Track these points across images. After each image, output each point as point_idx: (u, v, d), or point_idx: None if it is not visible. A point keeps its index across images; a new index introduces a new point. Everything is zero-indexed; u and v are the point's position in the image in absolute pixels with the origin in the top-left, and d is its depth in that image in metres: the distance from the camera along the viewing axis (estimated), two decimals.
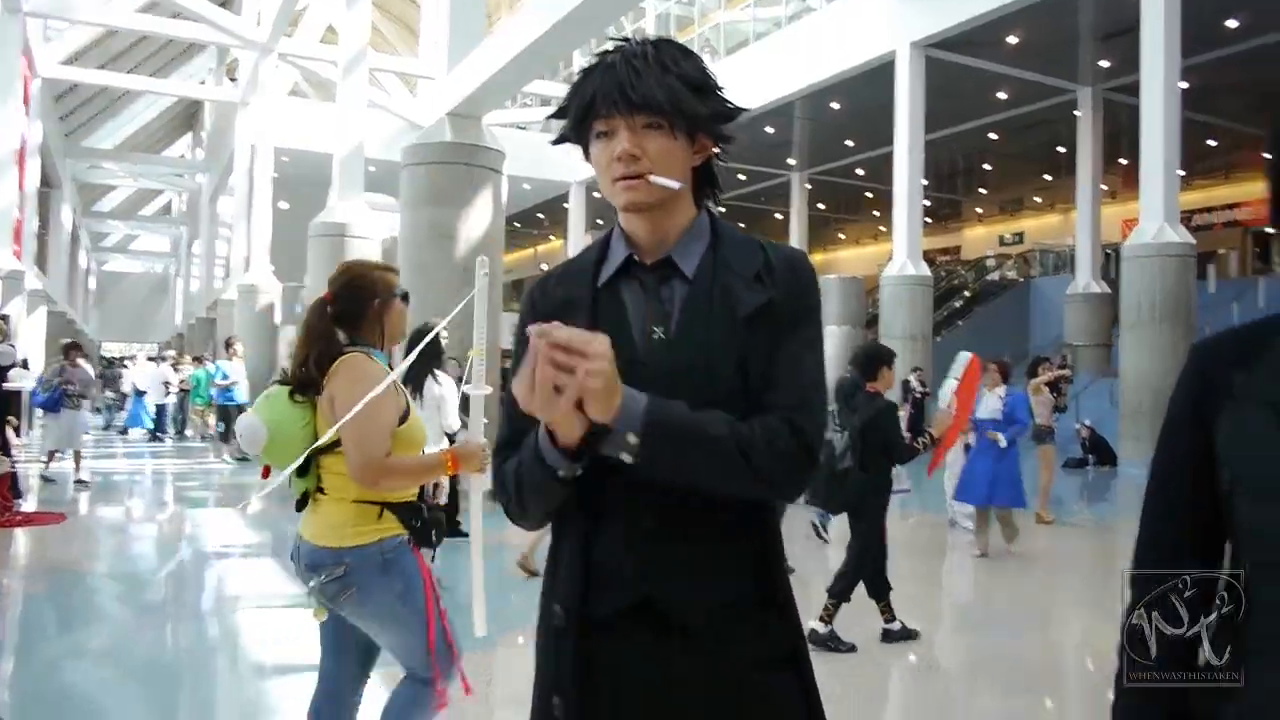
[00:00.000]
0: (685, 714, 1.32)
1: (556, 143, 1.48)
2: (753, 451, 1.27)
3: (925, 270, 17.49)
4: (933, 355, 16.60)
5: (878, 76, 17.43)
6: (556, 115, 1.44)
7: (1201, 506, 1.09)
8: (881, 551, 5.01)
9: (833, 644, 4.84)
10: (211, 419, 15.29)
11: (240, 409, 14.23)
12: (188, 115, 36.99)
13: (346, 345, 2.70)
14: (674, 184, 1.35)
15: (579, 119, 1.37)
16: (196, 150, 37.59)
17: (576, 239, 28.12)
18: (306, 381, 2.66)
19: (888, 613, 5.05)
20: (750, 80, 19.20)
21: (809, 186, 26.68)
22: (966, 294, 26.88)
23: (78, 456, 11.20)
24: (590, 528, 1.34)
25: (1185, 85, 14.16)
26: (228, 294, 23.01)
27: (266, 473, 2.64)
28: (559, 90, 23.60)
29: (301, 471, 2.62)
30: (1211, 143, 22.30)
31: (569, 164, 27.26)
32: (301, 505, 2.70)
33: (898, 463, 5.13)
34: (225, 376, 14.14)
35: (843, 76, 18.32)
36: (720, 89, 1.39)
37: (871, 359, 5.18)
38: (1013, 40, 16.55)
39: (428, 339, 4.26)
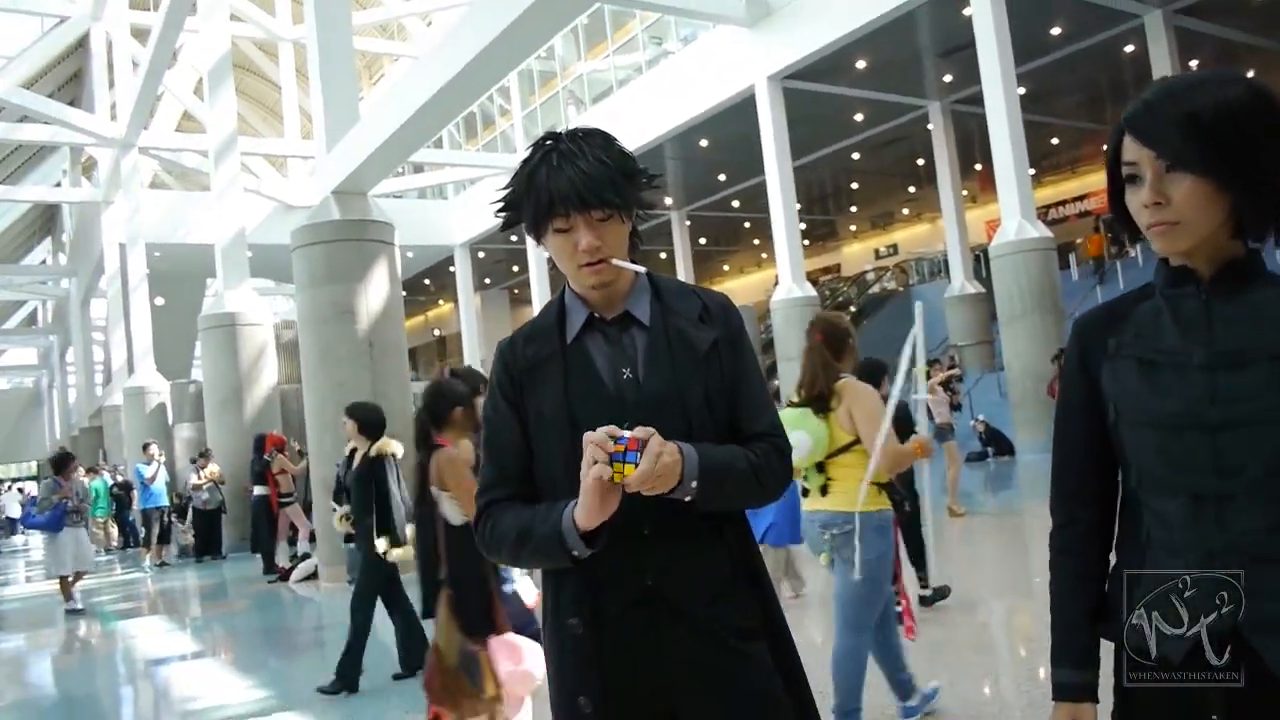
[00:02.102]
0: (682, 682, 1.56)
1: (505, 228, 1.70)
2: (763, 476, 1.59)
3: (810, 291, 18.12)
4: None
5: (741, 110, 18.09)
6: (504, 208, 1.64)
7: (1094, 434, 1.42)
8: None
9: (935, 599, 5.92)
10: (114, 530, 14.77)
11: (162, 510, 13.98)
12: (45, 219, 35.69)
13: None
14: (638, 268, 1.62)
15: (538, 218, 1.57)
16: (59, 255, 36.25)
17: (467, 301, 28.06)
18: (821, 400, 3.61)
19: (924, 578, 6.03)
20: (618, 126, 19.27)
21: (688, 223, 27.32)
22: (853, 309, 27.84)
23: (72, 581, 10.24)
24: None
25: (1023, 91, 15.16)
26: (113, 399, 22.21)
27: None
28: (432, 156, 23.68)
29: (819, 469, 3.61)
30: (1054, 141, 23.78)
31: (449, 227, 27.31)
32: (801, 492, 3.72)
33: None
34: (143, 480, 13.84)
35: (707, 114, 18.94)
36: (641, 167, 1.63)
37: (876, 370, 5.95)
38: (861, 65, 17.42)
39: None
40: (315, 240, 9.55)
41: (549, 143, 1.58)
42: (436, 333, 42.08)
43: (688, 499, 1.49)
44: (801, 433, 3.51)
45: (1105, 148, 1.36)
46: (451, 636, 3.30)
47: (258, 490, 11.83)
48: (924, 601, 5.95)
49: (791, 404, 3.73)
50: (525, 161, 1.59)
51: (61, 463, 10.36)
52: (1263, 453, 1.24)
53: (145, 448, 14.41)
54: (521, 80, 25.66)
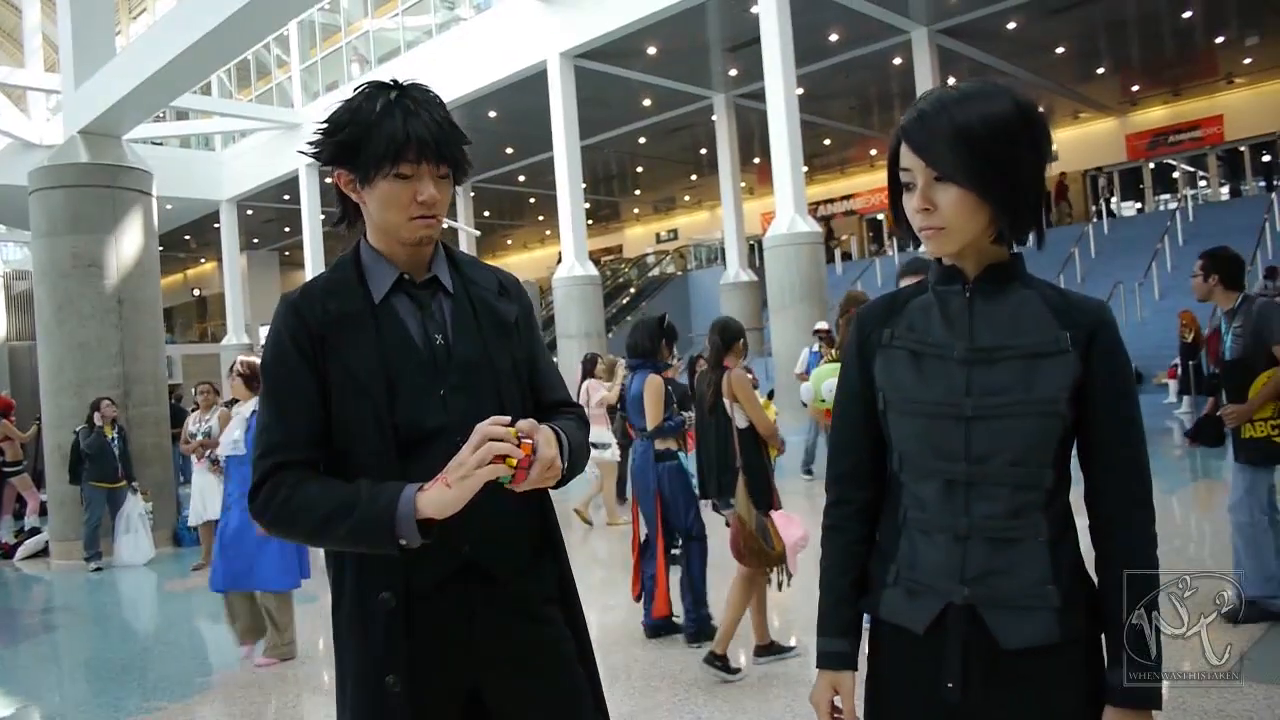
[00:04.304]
0: (489, 654, 1.56)
1: (328, 163, 1.57)
2: (585, 445, 1.65)
3: (593, 270, 18.27)
4: (607, 350, 17.41)
5: (532, 85, 17.94)
6: (328, 135, 1.54)
7: (868, 420, 1.49)
8: None
9: None
10: None
11: None
12: None
13: None
14: (474, 231, 1.62)
15: (385, 158, 1.49)
16: None
17: (231, 261, 26.33)
18: None
19: None
20: None
21: (473, 194, 26.86)
22: (632, 290, 28.36)
23: None
24: None
25: (801, 91, 15.90)
26: None
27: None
28: (198, 102, 22.03)
29: None
30: (827, 142, 25.10)
31: (215, 181, 25.55)
32: None
33: None
34: None
35: (497, 85, 18.62)
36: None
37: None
38: (652, 51, 17.67)
39: None
40: (58, 183, 8.65)
41: (394, 90, 1.54)
42: (197, 292, 39.30)
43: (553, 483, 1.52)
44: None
45: (889, 150, 1.43)
46: (749, 510, 4.23)
47: None
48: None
49: (829, 361, 4.68)
50: (364, 102, 1.53)
51: None
52: (1007, 444, 1.35)
53: None
54: (302, 31, 24.31)
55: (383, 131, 1.49)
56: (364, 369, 1.52)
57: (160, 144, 24.05)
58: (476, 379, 1.57)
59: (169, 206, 24.59)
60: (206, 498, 7.82)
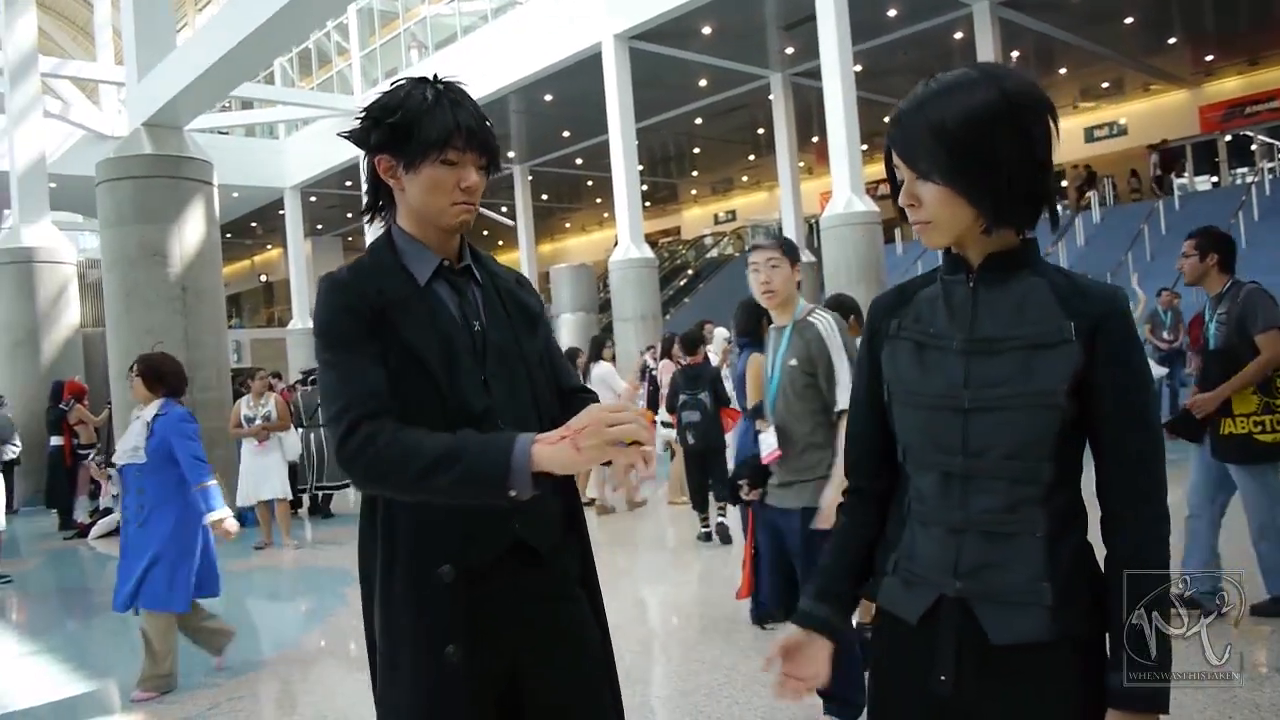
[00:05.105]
0: (529, 630, 1.61)
1: (373, 151, 1.63)
2: None
3: (649, 252, 18.24)
4: (664, 334, 17.39)
5: (586, 67, 17.93)
6: (377, 121, 1.60)
7: (877, 411, 1.49)
8: None
9: None
10: None
11: None
12: None
13: None
14: (509, 221, 1.67)
15: (434, 143, 1.55)
16: None
17: (296, 247, 26.82)
18: None
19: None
20: (461, 75, 18.83)
21: (530, 178, 26.97)
22: (690, 272, 28.30)
23: None
24: None
25: (859, 68, 15.63)
26: None
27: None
28: (262, 92, 22.45)
29: None
30: (887, 119, 24.43)
31: (280, 169, 26.01)
32: None
33: None
34: None
35: (553, 69, 18.67)
36: None
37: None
38: (707, 31, 17.54)
39: None
40: (123, 175, 8.92)
41: (439, 84, 1.62)
42: (263, 278, 40.13)
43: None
44: None
45: (884, 147, 1.43)
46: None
47: (54, 441, 11.05)
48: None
49: None
50: (412, 91, 1.60)
51: None
52: (1005, 437, 1.32)
53: None
54: (361, 18, 24.58)
55: (434, 119, 1.55)
56: (425, 347, 1.56)
57: (226, 133, 24.55)
58: (511, 365, 1.64)
59: (235, 195, 25.14)
60: (258, 479, 8.15)
